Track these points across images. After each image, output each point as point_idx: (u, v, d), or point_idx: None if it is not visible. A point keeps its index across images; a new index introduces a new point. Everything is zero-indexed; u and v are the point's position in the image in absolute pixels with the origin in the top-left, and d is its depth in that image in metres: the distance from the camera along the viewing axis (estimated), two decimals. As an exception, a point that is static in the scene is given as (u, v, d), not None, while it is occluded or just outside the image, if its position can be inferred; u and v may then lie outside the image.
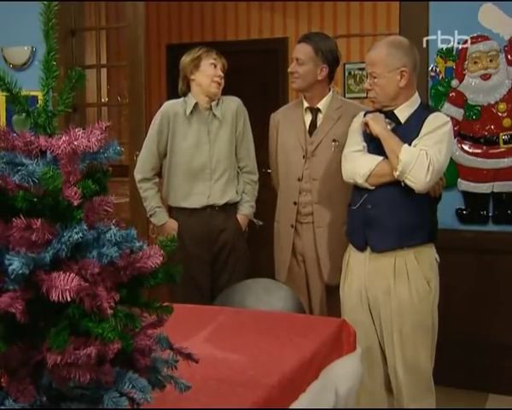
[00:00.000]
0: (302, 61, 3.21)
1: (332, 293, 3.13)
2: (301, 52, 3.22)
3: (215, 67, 3.22)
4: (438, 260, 2.78)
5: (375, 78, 2.71)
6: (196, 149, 3.23)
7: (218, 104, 3.29)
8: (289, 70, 3.25)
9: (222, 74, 3.23)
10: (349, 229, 2.88)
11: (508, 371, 3.57)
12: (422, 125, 2.67)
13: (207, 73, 3.22)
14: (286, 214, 3.33)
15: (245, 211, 3.37)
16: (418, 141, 2.64)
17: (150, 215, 3.35)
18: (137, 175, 3.38)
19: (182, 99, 3.31)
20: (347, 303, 2.85)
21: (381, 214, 2.72)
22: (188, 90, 3.29)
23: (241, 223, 3.37)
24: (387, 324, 2.73)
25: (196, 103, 3.26)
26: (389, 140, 2.66)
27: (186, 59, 3.27)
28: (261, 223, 3.44)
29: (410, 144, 2.66)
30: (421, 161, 2.59)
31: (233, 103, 3.33)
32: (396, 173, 2.62)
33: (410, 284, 2.68)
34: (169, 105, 3.36)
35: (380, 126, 2.69)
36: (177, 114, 3.28)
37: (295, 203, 3.28)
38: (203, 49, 3.27)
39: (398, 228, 2.70)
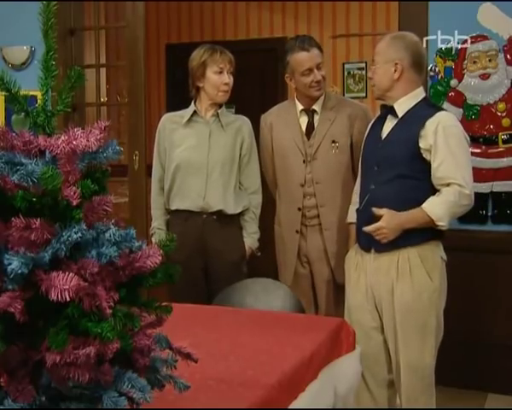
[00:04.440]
0: (323, 63, 3.24)
1: (339, 291, 3.13)
2: (321, 57, 3.23)
3: (221, 73, 3.13)
4: (444, 258, 2.75)
5: (375, 66, 2.78)
6: (195, 149, 3.18)
7: (224, 114, 3.24)
8: (319, 79, 3.19)
9: (228, 80, 3.14)
10: (356, 229, 2.89)
11: (507, 371, 3.57)
12: (424, 123, 2.66)
13: (213, 82, 3.14)
14: (290, 220, 3.30)
15: (250, 243, 3.27)
16: (437, 161, 2.64)
17: (152, 234, 3.32)
18: (152, 188, 3.36)
19: (181, 111, 3.29)
20: (353, 301, 2.86)
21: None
22: (198, 95, 3.22)
23: (246, 253, 3.28)
24: (391, 322, 2.73)
25: (195, 111, 3.21)
26: (412, 222, 2.67)
27: (192, 63, 3.19)
28: (259, 253, 3.38)
29: (407, 139, 2.68)
30: (450, 200, 2.63)
31: (241, 121, 3.26)
32: (446, 227, 2.67)
33: (413, 282, 2.67)
34: (167, 117, 3.33)
35: (393, 231, 2.67)
36: (174, 123, 3.25)
37: (300, 209, 3.26)
38: (207, 51, 3.16)
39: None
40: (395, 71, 2.72)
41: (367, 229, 2.68)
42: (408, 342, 2.70)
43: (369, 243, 2.76)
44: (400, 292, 2.69)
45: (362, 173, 2.93)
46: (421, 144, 2.66)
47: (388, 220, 2.65)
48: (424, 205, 2.65)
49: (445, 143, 2.63)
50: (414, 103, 2.75)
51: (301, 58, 3.18)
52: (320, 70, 3.20)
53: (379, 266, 2.74)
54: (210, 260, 3.21)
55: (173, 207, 3.24)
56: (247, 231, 3.27)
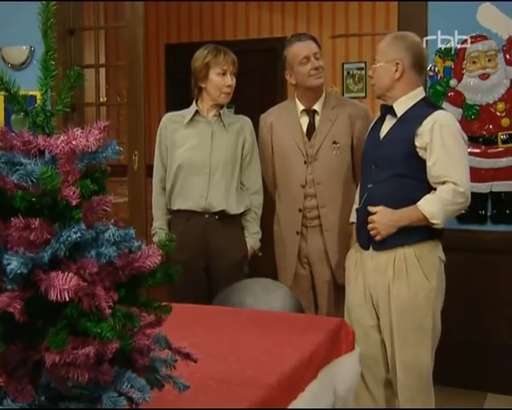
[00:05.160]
0: (320, 55, 3.24)
1: (339, 292, 3.13)
2: (317, 48, 3.23)
3: (224, 74, 3.12)
4: (442, 258, 2.75)
5: (376, 65, 2.79)
6: (197, 149, 3.17)
7: (226, 114, 3.23)
8: (317, 65, 3.18)
9: (231, 82, 3.14)
10: (356, 228, 2.90)
11: (506, 371, 3.57)
12: (421, 122, 2.66)
13: (216, 84, 3.13)
14: (290, 221, 3.29)
15: (252, 243, 3.26)
16: (432, 159, 2.64)
17: (153, 234, 3.31)
18: (153, 188, 3.35)
19: (182, 111, 3.28)
20: (352, 300, 2.86)
21: None
22: (200, 95, 3.22)
23: (248, 253, 3.27)
24: (387, 321, 2.74)
25: (197, 111, 3.21)
26: (406, 220, 2.68)
27: (195, 64, 3.18)
28: (261, 254, 3.38)
29: (404, 138, 2.69)
30: (444, 197, 2.63)
31: (243, 121, 3.26)
32: (441, 225, 2.68)
33: (409, 282, 2.68)
34: (168, 116, 3.32)
35: (385, 227, 2.68)
36: (176, 123, 3.24)
37: (300, 210, 3.25)
38: (211, 53, 3.15)
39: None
40: (396, 70, 2.73)
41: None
42: (404, 342, 2.70)
43: (368, 242, 2.77)
44: (397, 292, 2.69)
45: (361, 173, 2.94)
46: (417, 143, 2.66)
47: (381, 215, 2.68)
48: (419, 203, 2.65)
49: (440, 141, 2.64)
50: (413, 103, 2.76)
51: (297, 48, 3.21)
52: (317, 59, 3.20)
53: (376, 266, 2.75)
54: (212, 260, 3.21)
55: (175, 207, 3.23)
56: (249, 232, 3.26)
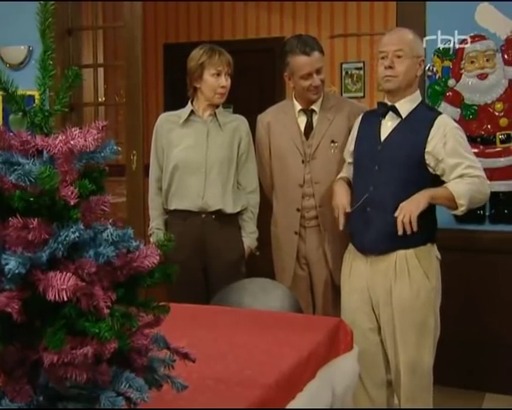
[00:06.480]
0: (322, 62, 3.20)
1: (337, 293, 3.12)
2: (321, 61, 3.18)
3: (218, 75, 3.12)
4: (439, 257, 2.77)
5: (399, 57, 2.70)
6: (193, 149, 3.17)
7: (222, 114, 3.23)
8: (317, 84, 3.16)
9: (225, 83, 3.13)
10: (350, 231, 2.88)
11: (504, 371, 3.58)
12: (431, 127, 2.67)
13: (210, 84, 3.12)
14: (288, 221, 3.28)
15: (249, 242, 3.26)
16: (455, 160, 2.66)
17: (150, 234, 3.30)
18: (150, 188, 3.34)
19: (178, 111, 3.28)
20: (348, 303, 2.85)
21: (380, 217, 2.72)
22: (195, 95, 3.21)
23: (245, 252, 3.27)
24: (389, 324, 2.73)
25: (192, 111, 3.20)
26: (434, 195, 2.66)
27: (190, 64, 3.17)
28: (258, 253, 3.37)
29: (413, 142, 2.69)
30: (473, 182, 2.66)
31: (239, 120, 3.25)
32: (465, 210, 2.68)
33: (411, 283, 2.68)
34: (164, 116, 3.32)
35: (415, 203, 2.62)
36: (171, 123, 3.24)
37: (298, 210, 3.25)
38: (206, 53, 3.14)
39: (397, 231, 2.68)
40: (419, 67, 2.74)
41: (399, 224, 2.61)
42: (407, 342, 2.70)
43: (365, 245, 2.77)
44: (398, 292, 2.69)
45: (358, 173, 2.89)
46: (428, 148, 2.66)
47: (405, 202, 2.62)
48: (446, 184, 2.67)
49: (459, 144, 2.68)
50: (415, 105, 2.76)
51: (301, 62, 3.13)
52: (319, 74, 3.16)
53: (376, 268, 2.74)
54: (209, 260, 3.21)
55: (172, 207, 3.23)
56: (246, 231, 3.26)
